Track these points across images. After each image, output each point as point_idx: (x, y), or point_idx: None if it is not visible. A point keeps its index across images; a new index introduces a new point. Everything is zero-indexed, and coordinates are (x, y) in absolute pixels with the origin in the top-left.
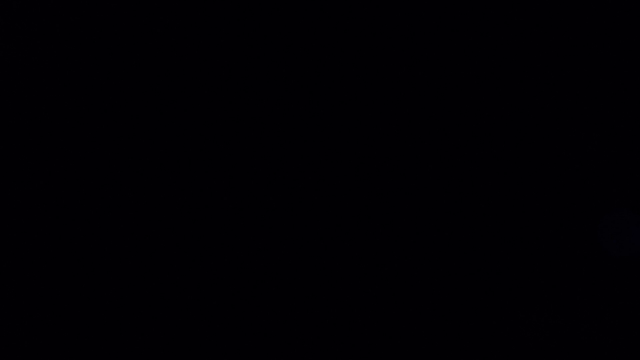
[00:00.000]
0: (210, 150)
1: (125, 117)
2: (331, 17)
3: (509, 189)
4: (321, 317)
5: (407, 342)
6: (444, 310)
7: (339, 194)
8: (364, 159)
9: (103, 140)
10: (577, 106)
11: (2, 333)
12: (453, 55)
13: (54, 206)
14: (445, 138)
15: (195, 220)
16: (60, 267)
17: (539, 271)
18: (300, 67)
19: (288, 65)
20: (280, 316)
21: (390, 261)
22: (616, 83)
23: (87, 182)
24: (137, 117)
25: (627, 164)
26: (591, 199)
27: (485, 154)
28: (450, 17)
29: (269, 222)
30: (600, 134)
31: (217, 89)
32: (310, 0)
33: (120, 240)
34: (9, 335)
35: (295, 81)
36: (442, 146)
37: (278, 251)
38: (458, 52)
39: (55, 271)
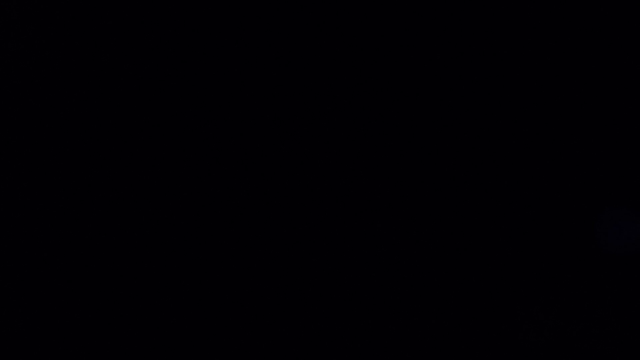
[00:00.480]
0: (210, 150)
1: (125, 117)
2: (331, 17)
3: (507, 189)
4: (321, 317)
5: (407, 342)
6: (444, 310)
7: (339, 194)
8: (363, 159)
9: (103, 140)
10: (574, 104)
11: (2, 333)
12: (453, 55)
13: (54, 206)
14: (443, 137)
15: (195, 220)
16: (60, 267)
17: (537, 270)
18: (300, 67)
19: (288, 66)
20: (280, 316)
21: (390, 261)
22: (614, 82)
23: (87, 182)
24: (137, 117)
25: (624, 161)
26: (588, 197)
27: (482, 154)
28: (450, 17)
29: (269, 222)
30: (597, 131)
31: (217, 89)
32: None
33: (120, 240)
34: (8, 335)
35: (295, 81)
36: (441, 146)
37: (278, 251)
38: (458, 52)
39: (55, 271)
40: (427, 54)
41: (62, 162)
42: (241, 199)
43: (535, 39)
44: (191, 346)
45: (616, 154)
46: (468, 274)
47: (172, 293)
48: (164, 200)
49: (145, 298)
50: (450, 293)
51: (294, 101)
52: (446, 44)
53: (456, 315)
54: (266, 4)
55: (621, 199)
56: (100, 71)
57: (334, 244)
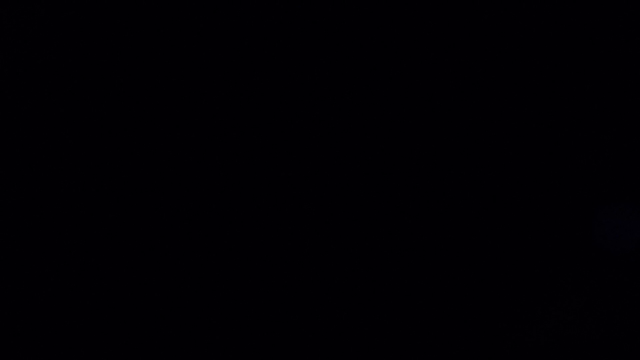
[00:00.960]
0: (211, 150)
1: (125, 117)
2: (331, 17)
3: (506, 188)
4: (321, 317)
5: (407, 342)
6: (444, 310)
7: (339, 194)
8: (364, 159)
9: (103, 140)
10: (569, 101)
11: (2, 333)
12: (453, 55)
13: (54, 206)
14: (443, 137)
15: (195, 220)
16: (61, 267)
17: (536, 270)
18: (300, 67)
19: (287, 66)
20: (280, 316)
21: (390, 261)
22: (610, 78)
23: (87, 182)
24: (137, 117)
25: (623, 159)
26: (587, 195)
27: (482, 154)
28: (450, 17)
29: (269, 223)
30: (596, 130)
31: (217, 89)
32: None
33: (120, 240)
34: (8, 335)
35: (295, 81)
36: (440, 146)
37: (278, 251)
38: (458, 52)
39: (55, 271)
40: (427, 54)
41: (62, 162)
42: (241, 199)
43: (535, 39)
44: (191, 346)
45: (615, 152)
46: (468, 274)
47: (172, 293)
48: (163, 200)
49: (145, 298)
50: (450, 293)
51: (293, 101)
52: (446, 44)
53: (456, 315)
54: (266, 4)
55: (620, 197)
56: (100, 71)
57: (334, 244)
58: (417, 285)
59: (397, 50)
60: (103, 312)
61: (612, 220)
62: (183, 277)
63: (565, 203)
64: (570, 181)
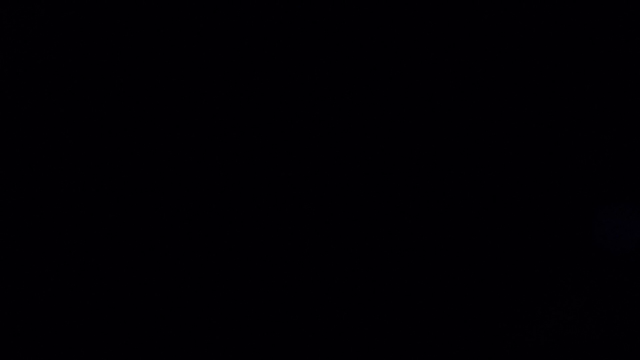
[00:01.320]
0: (211, 150)
1: (125, 117)
2: (331, 17)
3: (505, 188)
4: (321, 317)
5: (406, 342)
6: (444, 310)
7: (339, 194)
8: (364, 159)
9: (103, 140)
10: (569, 101)
11: (1, 333)
12: (453, 55)
13: (54, 206)
14: (443, 137)
15: (195, 220)
16: (61, 267)
17: (536, 270)
18: (300, 67)
19: (288, 66)
20: (280, 316)
21: (390, 262)
22: (611, 78)
23: (87, 182)
24: (137, 117)
25: (620, 157)
26: (585, 194)
27: (481, 153)
28: (450, 17)
29: (269, 223)
30: (595, 129)
31: (217, 89)
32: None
33: (120, 240)
34: (8, 335)
35: (295, 81)
36: (440, 145)
37: (278, 251)
38: (458, 52)
39: (55, 271)
40: (427, 54)
41: (62, 162)
42: (241, 199)
43: (535, 39)
44: (191, 346)
45: (615, 152)
46: (468, 274)
47: (172, 293)
48: (163, 200)
49: (145, 298)
50: (451, 293)
51: (293, 101)
52: (446, 44)
53: (456, 315)
54: (266, 4)
55: (620, 197)
56: (100, 71)
57: (334, 244)
58: (417, 285)
59: (397, 50)
60: (103, 312)
61: (612, 220)
62: (183, 277)
63: (565, 203)
64: (570, 181)
